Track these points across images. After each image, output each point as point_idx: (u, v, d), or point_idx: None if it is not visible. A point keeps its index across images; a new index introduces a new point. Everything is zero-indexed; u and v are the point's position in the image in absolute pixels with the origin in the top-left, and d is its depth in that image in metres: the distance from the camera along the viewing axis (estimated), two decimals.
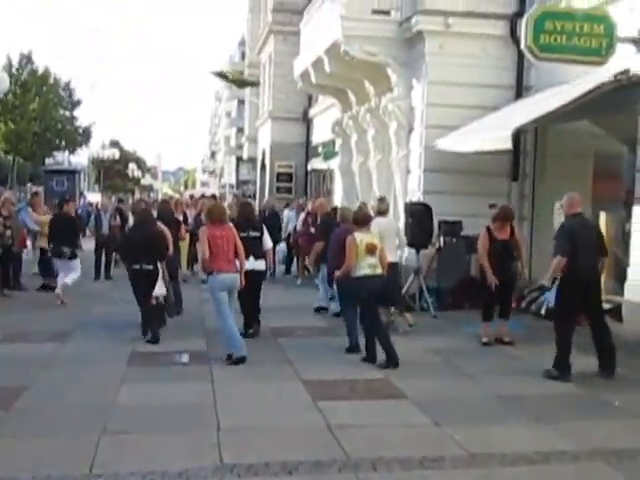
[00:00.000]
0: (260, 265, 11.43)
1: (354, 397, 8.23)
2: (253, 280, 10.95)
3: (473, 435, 6.89)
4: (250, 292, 11.07)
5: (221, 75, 40.53)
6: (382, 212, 12.18)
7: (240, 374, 9.09)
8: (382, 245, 9.97)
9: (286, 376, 9.10)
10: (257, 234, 11.51)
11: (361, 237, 9.74)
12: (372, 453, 6.33)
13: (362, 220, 10.07)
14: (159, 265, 11.28)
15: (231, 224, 10.29)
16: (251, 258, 10.91)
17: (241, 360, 9.58)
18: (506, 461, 6.28)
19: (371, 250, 9.68)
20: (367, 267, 9.68)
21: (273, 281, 17.98)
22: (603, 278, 13.44)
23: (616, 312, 12.09)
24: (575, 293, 9.22)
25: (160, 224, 11.77)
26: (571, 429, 7.16)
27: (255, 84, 36.47)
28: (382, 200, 12.83)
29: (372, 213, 11.74)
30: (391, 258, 11.09)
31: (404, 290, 14.02)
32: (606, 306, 12.36)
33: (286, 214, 20.32)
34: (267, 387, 8.55)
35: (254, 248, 11.13)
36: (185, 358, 9.91)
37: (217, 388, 8.41)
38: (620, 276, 12.57)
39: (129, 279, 11.40)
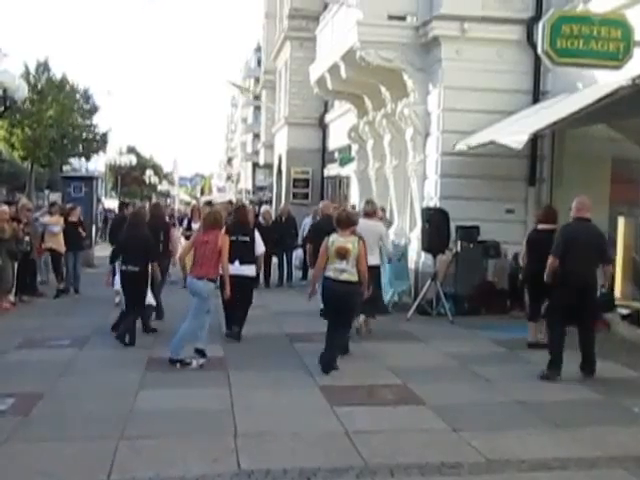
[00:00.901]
0: (247, 270, 11.33)
1: (371, 403, 8.21)
2: (239, 285, 10.76)
3: (491, 441, 6.87)
4: (236, 296, 10.63)
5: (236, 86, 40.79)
6: (368, 214, 11.94)
7: (257, 379, 9.08)
8: (360, 251, 9.47)
9: (303, 382, 9.09)
10: (246, 239, 11.42)
11: (334, 239, 9.48)
12: (390, 459, 6.33)
13: (342, 223, 9.67)
14: (150, 268, 11.40)
15: (222, 231, 10.20)
16: (236, 262, 10.86)
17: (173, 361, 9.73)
18: (524, 467, 6.25)
19: (341, 254, 9.33)
20: (331, 270, 9.41)
21: (290, 286, 18.05)
22: (620, 284, 13.48)
23: (634, 317, 12.04)
24: (564, 295, 9.35)
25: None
26: (590, 435, 7.13)
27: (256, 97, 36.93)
28: (368, 202, 12.64)
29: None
30: (371, 261, 10.63)
31: (420, 296, 14.03)
32: (624, 312, 12.33)
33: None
34: (284, 393, 8.55)
35: (241, 253, 11.04)
36: (200, 362, 9.90)
37: (234, 393, 8.41)
38: (638, 281, 12.52)
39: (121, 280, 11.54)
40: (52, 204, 19.17)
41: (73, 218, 17.28)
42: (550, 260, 9.53)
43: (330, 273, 9.43)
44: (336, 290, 9.41)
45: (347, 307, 9.60)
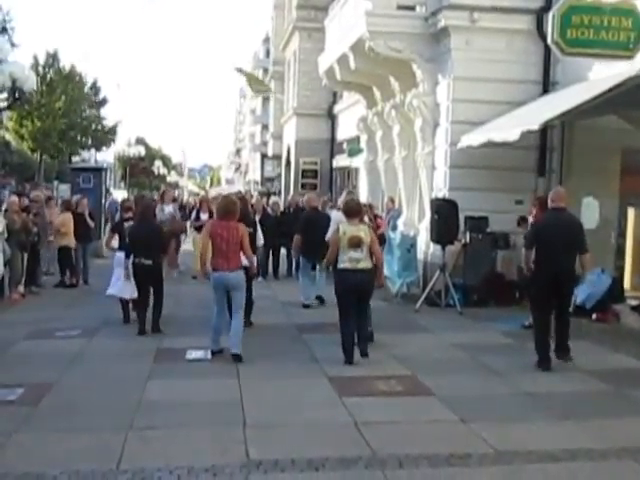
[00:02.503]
0: (244, 261, 11.19)
1: (380, 394, 8.21)
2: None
3: (500, 432, 6.86)
4: None
5: (241, 72, 40.71)
6: None
7: (265, 370, 9.10)
8: (372, 238, 9.53)
9: (312, 372, 9.09)
10: (250, 230, 11.35)
11: (345, 229, 9.44)
12: (398, 450, 6.32)
13: (351, 211, 9.65)
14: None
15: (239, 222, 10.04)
16: None
17: (217, 352, 9.79)
18: (533, 459, 6.24)
19: (355, 244, 9.30)
20: (347, 261, 9.34)
21: (298, 277, 18.03)
22: (629, 275, 13.46)
23: None
24: (541, 286, 9.44)
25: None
26: (599, 427, 7.11)
27: (265, 94, 36.89)
28: (349, 193, 12.70)
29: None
30: None
31: (429, 287, 14.02)
32: (633, 303, 12.31)
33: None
34: (293, 383, 8.56)
35: None
36: (210, 354, 9.89)
37: (243, 384, 8.42)
38: None
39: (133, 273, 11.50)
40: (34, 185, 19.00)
41: (81, 209, 17.29)
42: (523, 252, 9.78)
43: (346, 264, 9.38)
44: (356, 280, 9.38)
45: (368, 295, 9.66)
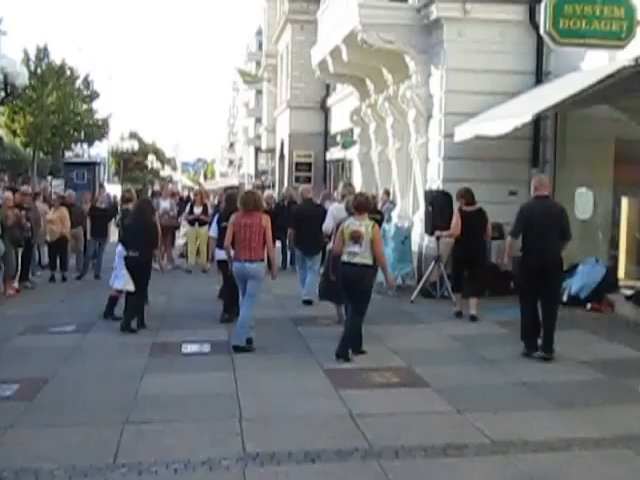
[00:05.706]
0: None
1: (376, 385, 8.22)
2: (223, 269, 11.08)
3: (495, 422, 6.88)
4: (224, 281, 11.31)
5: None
6: (345, 197, 11.73)
7: (261, 363, 9.11)
8: (374, 235, 9.29)
9: (307, 365, 9.10)
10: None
11: (349, 223, 9.45)
12: (394, 441, 6.33)
13: (359, 206, 9.53)
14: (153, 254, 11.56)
15: (264, 214, 10.11)
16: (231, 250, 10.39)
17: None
18: (528, 448, 6.26)
19: (354, 238, 9.24)
20: (345, 254, 9.35)
21: (293, 270, 18.02)
22: (623, 264, 13.47)
23: (638, 298, 12.04)
24: (525, 274, 9.50)
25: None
26: (594, 416, 7.14)
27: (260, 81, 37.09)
28: (346, 186, 12.73)
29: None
30: None
31: (424, 278, 14.02)
32: (627, 292, 12.33)
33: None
34: (289, 376, 8.57)
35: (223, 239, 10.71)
36: (206, 348, 9.92)
37: (239, 377, 8.43)
38: None
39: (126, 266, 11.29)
40: (42, 190, 18.96)
41: (101, 204, 17.29)
42: (508, 240, 9.85)
43: (344, 257, 9.37)
44: (348, 273, 9.35)
45: (358, 290, 9.42)
